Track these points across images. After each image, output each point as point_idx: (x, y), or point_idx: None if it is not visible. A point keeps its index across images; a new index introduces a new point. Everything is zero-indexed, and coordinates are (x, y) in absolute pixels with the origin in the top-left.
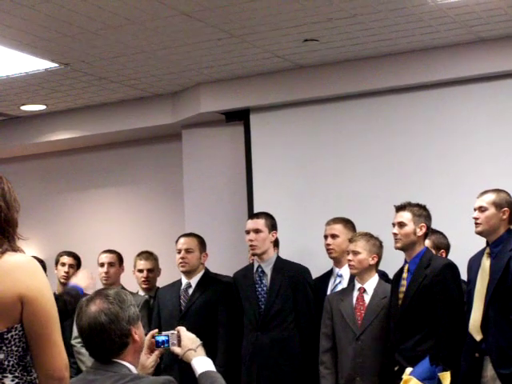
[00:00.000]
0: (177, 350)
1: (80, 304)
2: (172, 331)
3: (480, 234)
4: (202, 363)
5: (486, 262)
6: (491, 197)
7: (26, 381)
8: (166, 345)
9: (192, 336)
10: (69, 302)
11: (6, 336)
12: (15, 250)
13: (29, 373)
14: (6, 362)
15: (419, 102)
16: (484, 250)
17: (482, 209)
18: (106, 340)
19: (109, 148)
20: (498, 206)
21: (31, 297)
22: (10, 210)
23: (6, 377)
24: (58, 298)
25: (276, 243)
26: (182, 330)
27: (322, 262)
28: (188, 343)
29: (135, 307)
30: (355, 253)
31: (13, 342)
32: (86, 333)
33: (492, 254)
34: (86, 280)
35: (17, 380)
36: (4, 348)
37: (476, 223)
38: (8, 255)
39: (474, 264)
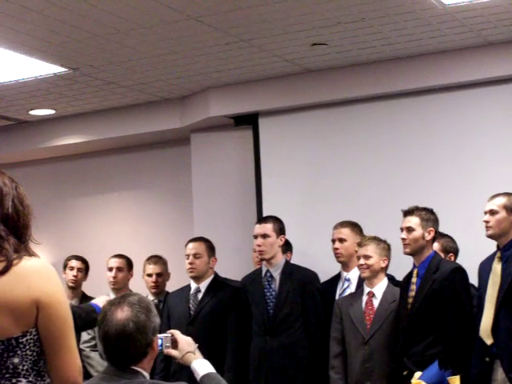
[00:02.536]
0: (173, 352)
1: (103, 308)
2: (165, 334)
3: (491, 237)
4: (203, 365)
5: (496, 266)
6: (502, 200)
7: None
8: (159, 348)
9: (188, 339)
10: (78, 315)
11: (21, 340)
12: (31, 254)
13: (42, 378)
14: (21, 367)
15: (428, 105)
16: (495, 253)
17: (492, 212)
18: (130, 348)
19: (117, 152)
20: (508, 209)
21: (46, 301)
22: (27, 214)
23: (20, 381)
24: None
25: (289, 247)
26: (177, 333)
27: (330, 266)
28: (185, 346)
29: (158, 317)
30: (366, 257)
31: (27, 347)
32: (112, 339)
33: (503, 257)
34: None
35: None
36: (19, 352)
37: (487, 226)
38: (24, 260)
39: (485, 268)
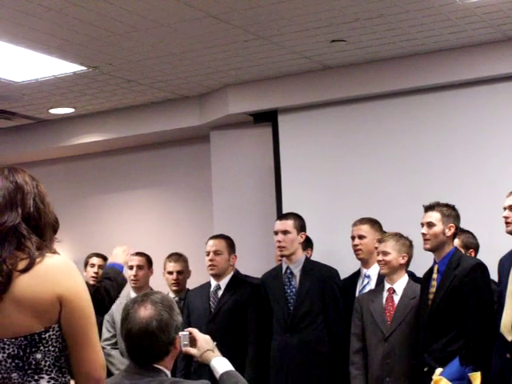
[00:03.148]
0: (192, 351)
1: (127, 306)
2: (183, 332)
3: (510, 233)
4: (222, 363)
5: None
6: None
7: (61, 382)
8: None
9: (206, 337)
10: (110, 286)
11: (43, 336)
12: (53, 252)
13: (63, 374)
14: (43, 362)
15: (447, 101)
16: None
17: (511, 208)
18: (153, 346)
19: (137, 150)
20: None
21: (69, 298)
22: (48, 212)
23: (43, 378)
24: (97, 288)
25: (310, 244)
26: (195, 331)
27: (350, 263)
28: (204, 344)
29: (181, 316)
30: (385, 253)
31: (50, 342)
32: (135, 337)
33: None
34: (123, 256)
35: (53, 381)
36: (42, 348)
37: (506, 222)
38: (47, 258)
39: (505, 264)
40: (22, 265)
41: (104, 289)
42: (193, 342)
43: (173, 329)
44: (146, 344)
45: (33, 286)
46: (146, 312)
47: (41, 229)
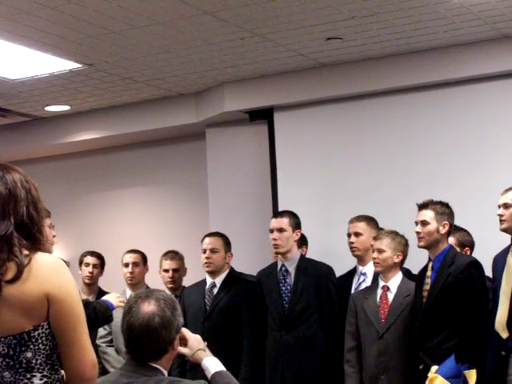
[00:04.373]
0: (183, 350)
1: (129, 301)
2: None
3: (505, 231)
4: (214, 363)
5: (510, 260)
6: None
7: (53, 380)
8: None
9: (197, 336)
10: (98, 310)
11: (32, 334)
12: (42, 251)
13: (56, 371)
14: (34, 361)
15: (443, 99)
16: (509, 247)
17: (506, 205)
18: (152, 343)
19: (133, 148)
20: None
21: (57, 295)
22: (40, 217)
23: (35, 376)
24: (87, 304)
25: (305, 241)
26: (185, 330)
27: (347, 261)
28: (195, 343)
29: (182, 317)
30: (380, 251)
31: (40, 341)
32: (136, 331)
33: None
34: (116, 301)
35: (45, 379)
36: (31, 346)
37: (501, 220)
38: (36, 256)
39: (499, 261)
40: (10, 275)
41: (94, 308)
42: (183, 341)
43: (174, 328)
44: (146, 339)
45: (21, 283)
46: (149, 307)
47: (33, 235)
